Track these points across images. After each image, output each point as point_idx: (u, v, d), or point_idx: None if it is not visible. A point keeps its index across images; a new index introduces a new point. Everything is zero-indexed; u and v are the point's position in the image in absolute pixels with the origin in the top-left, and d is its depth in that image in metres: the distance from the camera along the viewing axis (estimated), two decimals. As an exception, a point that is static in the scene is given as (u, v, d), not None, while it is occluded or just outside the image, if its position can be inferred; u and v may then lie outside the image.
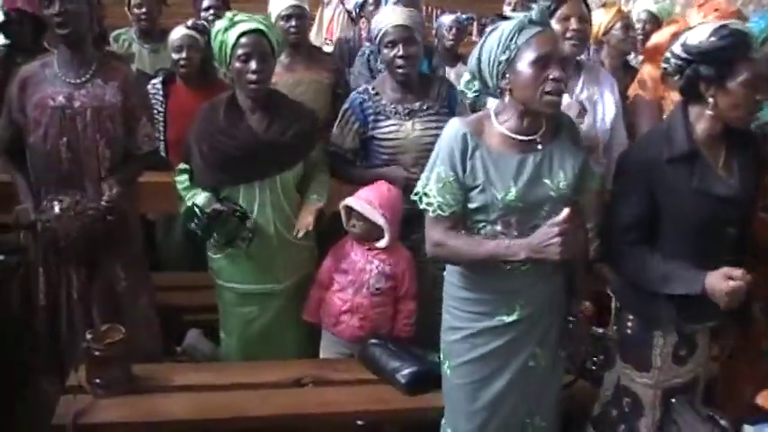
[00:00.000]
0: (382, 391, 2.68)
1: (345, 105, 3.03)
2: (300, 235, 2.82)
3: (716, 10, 3.16)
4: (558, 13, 2.73)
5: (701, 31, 2.16)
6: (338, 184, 3.08)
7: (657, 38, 3.40)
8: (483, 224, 2.14)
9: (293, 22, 3.48)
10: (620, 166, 2.35)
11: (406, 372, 2.65)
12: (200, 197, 2.79)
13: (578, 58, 2.99)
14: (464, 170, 2.10)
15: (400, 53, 2.85)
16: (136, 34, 4.34)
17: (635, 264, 2.28)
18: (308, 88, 3.54)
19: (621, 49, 3.76)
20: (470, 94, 2.35)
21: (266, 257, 2.87)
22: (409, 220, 2.75)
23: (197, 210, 2.75)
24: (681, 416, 2.34)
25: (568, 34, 2.73)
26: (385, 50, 2.89)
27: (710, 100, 2.13)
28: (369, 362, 2.77)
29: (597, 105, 2.90)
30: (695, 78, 2.14)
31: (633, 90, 3.45)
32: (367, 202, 2.78)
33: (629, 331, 2.40)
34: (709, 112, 2.16)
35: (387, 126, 2.94)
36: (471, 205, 2.13)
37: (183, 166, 2.92)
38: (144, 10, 4.23)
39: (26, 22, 3.83)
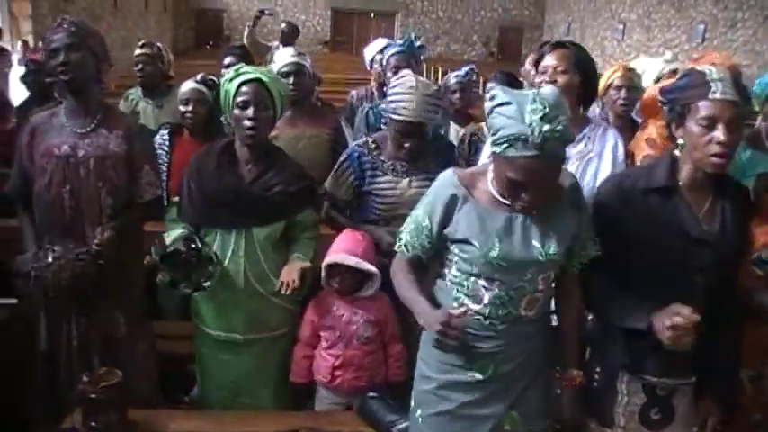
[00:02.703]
0: (378, 442, 2.66)
1: (343, 157, 3.08)
2: (283, 291, 2.79)
3: (712, 64, 3.20)
4: (540, 65, 2.75)
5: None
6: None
7: (650, 91, 3.43)
8: (465, 277, 2.15)
9: (291, 80, 3.57)
10: (599, 192, 2.33)
11: (402, 426, 2.62)
12: (171, 235, 2.86)
13: (587, 115, 2.98)
14: (446, 224, 2.14)
15: (406, 145, 2.94)
16: (141, 92, 4.57)
17: (600, 297, 2.25)
18: (309, 143, 3.63)
19: (615, 109, 3.78)
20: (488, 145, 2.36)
21: (232, 305, 2.90)
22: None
23: (153, 248, 2.79)
24: None
25: (543, 85, 2.74)
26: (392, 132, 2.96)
27: (680, 141, 2.13)
28: (366, 415, 2.76)
29: (590, 164, 2.81)
30: (668, 123, 2.17)
31: (638, 149, 3.41)
32: (353, 255, 2.81)
33: (595, 383, 2.35)
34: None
35: (383, 182, 3.00)
36: (458, 255, 2.14)
37: (175, 199, 3.01)
38: (140, 67, 4.53)
39: (41, 74, 3.96)
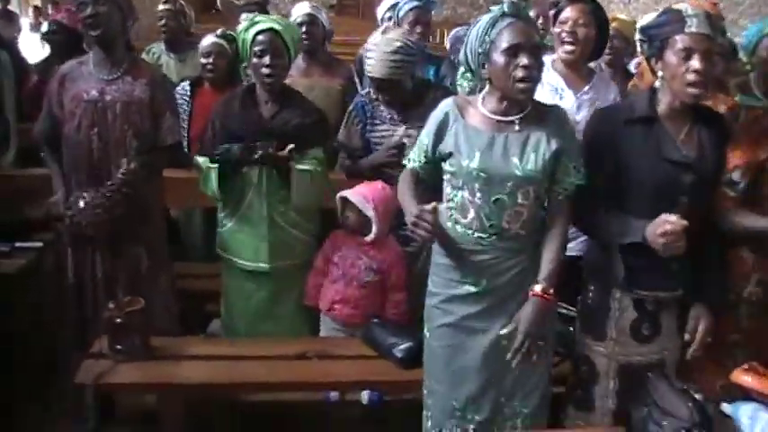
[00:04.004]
0: (380, 365, 2.85)
1: (351, 107, 3.28)
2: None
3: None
4: (561, 16, 2.94)
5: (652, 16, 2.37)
6: (337, 182, 3.32)
7: None
8: (454, 192, 2.34)
9: (305, 29, 3.80)
10: (588, 126, 2.51)
11: (402, 347, 2.82)
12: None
13: (592, 66, 3.19)
14: (439, 140, 2.34)
15: (381, 98, 3.15)
16: (164, 46, 4.74)
17: (595, 220, 2.41)
18: (321, 92, 3.80)
19: (606, 58, 3.92)
20: (466, 84, 2.54)
21: (257, 236, 3.13)
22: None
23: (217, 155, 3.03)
24: (655, 388, 2.34)
25: (563, 36, 2.93)
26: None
27: (660, 74, 2.30)
28: (369, 340, 2.96)
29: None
30: (648, 57, 2.34)
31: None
32: (361, 195, 3.01)
33: (589, 301, 2.53)
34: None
35: (382, 130, 3.18)
36: (448, 171, 2.34)
37: (201, 142, 3.24)
38: (163, 22, 4.68)
39: (63, 33, 4.17)
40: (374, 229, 3.03)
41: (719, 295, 2.50)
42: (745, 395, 2.25)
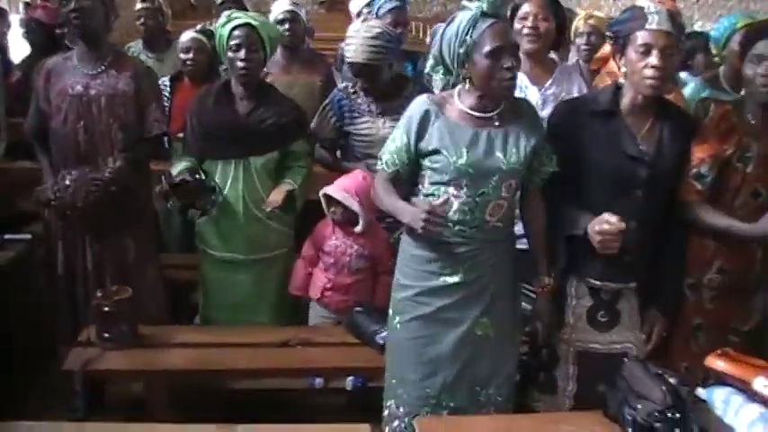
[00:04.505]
0: (363, 352, 2.93)
1: (326, 101, 3.36)
2: (268, 209, 3.10)
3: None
4: (520, 12, 2.97)
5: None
6: (322, 175, 3.41)
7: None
8: (438, 186, 2.38)
9: (286, 26, 3.87)
10: (550, 118, 2.58)
11: (384, 334, 2.86)
12: (177, 166, 3.11)
13: (554, 58, 3.23)
14: (420, 138, 2.36)
15: (359, 85, 3.23)
16: (142, 45, 4.71)
17: (551, 207, 2.50)
18: (302, 89, 3.86)
19: (580, 54, 4.01)
20: (438, 77, 2.60)
21: (233, 229, 3.19)
22: None
23: (164, 177, 3.07)
24: (631, 373, 2.37)
25: (525, 31, 2.96)
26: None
27: (623, 70, 2.38)
28: (352, 327, 3.04)
29: None
30: (613, 53, 2.43)
31: (602, 83, 3.63)
32: (344, 190, 3.08)
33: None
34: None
35: (361, 123, 3.25)
36: (430, 167, 2.38)
37: (180, 135, 3.29)
38: (142, 21, 4.63)
39: (38, 30, 4.25)
40: (361, 221, 3.10)
41: (673, 301, 2.60)
42: (719, 380, 2.28)
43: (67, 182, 3.06)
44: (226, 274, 3.26)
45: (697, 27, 7.06)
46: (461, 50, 2.26)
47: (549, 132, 2.50)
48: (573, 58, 4.09)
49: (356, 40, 3.10)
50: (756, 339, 2.67)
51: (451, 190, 2.36)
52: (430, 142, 2.35)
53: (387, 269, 3.16)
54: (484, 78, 2.27)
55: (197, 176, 3.07)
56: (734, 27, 3.45)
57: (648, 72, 2.28)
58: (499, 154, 2.34)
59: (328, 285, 3.18)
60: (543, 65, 3.10)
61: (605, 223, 2.29)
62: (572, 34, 4.01)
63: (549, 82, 3.07)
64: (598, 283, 2.50)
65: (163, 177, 3.08)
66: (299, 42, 4.08)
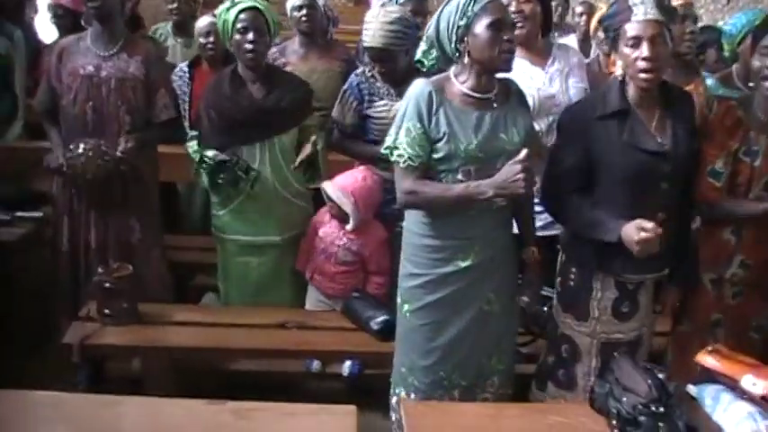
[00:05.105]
0: (357, 337, 2.97)
1: (345, 86, 3.36)
2: (297, 160, 3.20)
3: None
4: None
5: None
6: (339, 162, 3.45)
7: None
8: (445, 173, 2.38)
9: (304, 12, 3.90)
10: (561, 121, 2.57)
11: (379, 319, 2.92)
12: (210, 151, 3.13)
13: (548, 39, 3.25)
14: (429, 123, 2.35)
15: (376, 70, 3.23)
16: (171, 29, 4.75)
17: (569, 211, 2.49)
18: (321, 76, 3.89)
19: (604, 49, 3.98)
20: (428, 62, 2.61)
21: (265, 211, 3.23)
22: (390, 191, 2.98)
23: (207, 159, 3.11)
24: (619, 366, 2.37)
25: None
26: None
27: (620, 62, 2.37)
28: (349, 312, 3.08)
29: (569, 77, 3.11)
30: (610, 50, 2.43)
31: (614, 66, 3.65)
32: (341, 189, 3.11)
33: (571, 283, 2.59)
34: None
35: (379, 106, 3.25)
36: (436, 155, 2.37)
37: (193, 133, 3.30)
38: (175, 5, 4.64)
39: (66, 16, 4.32)
40: (351, 221, 3.13)
41: (688, 278, 2.61)
42: (710, 377, 2.28)
43: (81, 150, 3.11)
44: (249, 259, 3.30)
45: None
46: (462, 23, 2.29)
47: (561, 136, 2.52)
48: (594, 52, 4.11)
49: (374, 25, 3.11)
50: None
51: (460, 176, 2.36)
52: (438, 129, 2.35)
53: (378, 269, 3.21)
54: (485, 50, 2.29)
55: (237, 155, 3.12)
56: (753, 24, 3.39)
57: (641, 64, 2.28)
58: (503, 135, 2.37)
59: (317, 270, 3.24)
60: (539, 47, 3.12)
61: (642, 231, 2.27)
62: (592, 29, 4.00)
63: (551, 60, 3.10)
64: (634, 276, 2.50)
65: (206, 159, 3.11)
66: (317, 29, 4.09)
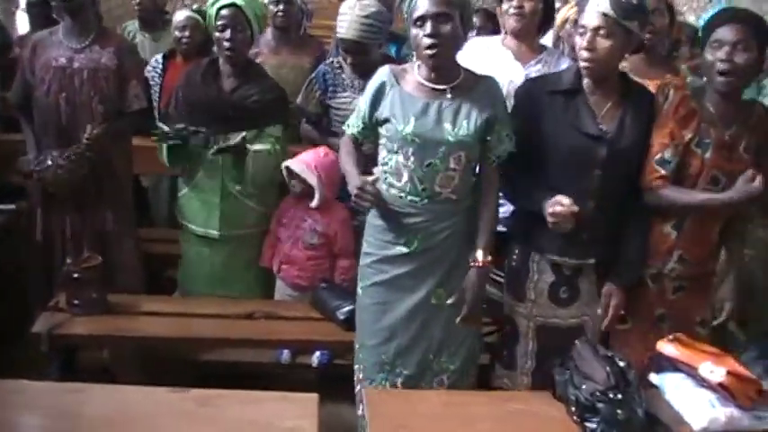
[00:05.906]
0: (324, 327, 3.00)
1: (312, 75, 3.41)
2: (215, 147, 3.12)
3: None
4: None
5: None
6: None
7: None
8: (389, 156, 2.47)
9: (280, 7, 3.93)
10: (517, 91, 2.63)
11: (344, 309, 2.95)
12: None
13: (542, 43, 3.25)
14: (375, 106, 2.46)
15: (349, 61, 3.24)
16: (138, 24, 4.78)
17: (511, 182, 2.55)
18: (291, 71, 3.92)
19: (570, 42, 4.01)
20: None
21: (210, 205, 3.25)
22: None
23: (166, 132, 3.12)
24: (579, 354, 2.40)
25: (511, 11, 2.98)
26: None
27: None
28: (316, 303, 3.11)
29: None
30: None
31: None
32: (304, 163, 3.15)
33: (513, 263, 2.65)
34: None
35: (343, 97, 3.30)
36: (384, 135, 2.47)
37: (163, 110, 3.37)
38: (138, 0, 4.69)
39: (40, 6, 4.31)
40: (317, 195, 3.16)
41: (632, 276, 2.60)
42: (672, 365, 2.31)
43: (49, 162, 3.15)
44: (202, 249, 3.32)
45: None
46: (407, 18, 2.38)
47: (513, 111, 2.56)
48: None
49: (349, 17, 3.14)
50: (725, 335, 2.73)
51: (400, 159, 2.43)
52: (383, 111, 2.45)
53: (344, 251, 3.24)
54: (413, 45, 2.42)
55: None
56: None
57: (582, 54, 2.35)
58: (447, 125, 2.40)
59: (284, 259, 3.27)
60: (530, 45, 3.10)
61: (558, 205, 2.34)
62: (559, 23, 4.02)
63: (535, 61, 3.07)
64: (558, 258, 2.55)
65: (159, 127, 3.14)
66: (293, 25, 4.13)
